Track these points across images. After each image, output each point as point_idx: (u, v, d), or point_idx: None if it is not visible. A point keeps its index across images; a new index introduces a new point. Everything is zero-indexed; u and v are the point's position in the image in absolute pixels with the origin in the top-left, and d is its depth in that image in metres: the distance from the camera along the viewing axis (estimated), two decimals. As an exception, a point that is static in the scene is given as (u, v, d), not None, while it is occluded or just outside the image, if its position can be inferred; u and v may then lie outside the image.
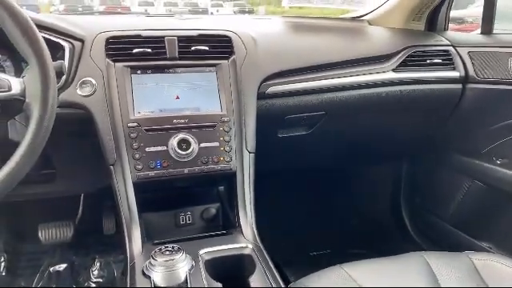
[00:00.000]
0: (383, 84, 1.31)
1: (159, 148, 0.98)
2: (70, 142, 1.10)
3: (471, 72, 1.39)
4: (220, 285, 0.81)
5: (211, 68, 1.09)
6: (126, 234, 0.93)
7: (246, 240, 0.95)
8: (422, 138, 1.64)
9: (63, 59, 1.00)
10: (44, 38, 0.77)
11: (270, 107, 1.19)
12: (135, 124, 0.98)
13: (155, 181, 0.97)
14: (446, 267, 0.89)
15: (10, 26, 0.73)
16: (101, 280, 1.53)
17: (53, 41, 1.00)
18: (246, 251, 0.90)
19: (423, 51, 1.37)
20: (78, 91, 1.00)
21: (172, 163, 0.98)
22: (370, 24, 1.59)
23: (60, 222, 1.53)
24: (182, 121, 1.01)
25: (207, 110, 1.05)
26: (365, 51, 1.32)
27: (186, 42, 1.09)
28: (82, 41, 1.04)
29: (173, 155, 0.98)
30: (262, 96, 1.14)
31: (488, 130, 1.45)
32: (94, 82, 1.00)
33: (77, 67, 1.02)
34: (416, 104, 1.40)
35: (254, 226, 0.99)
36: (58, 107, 0.77)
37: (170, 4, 18.34)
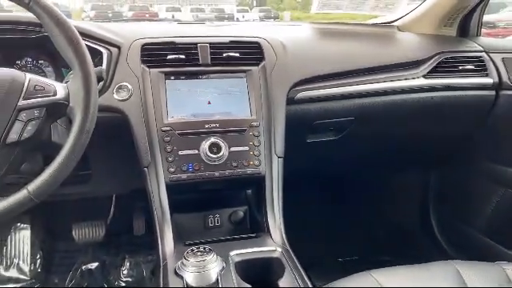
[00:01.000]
0: (413, 90, 1.30)
1: (191, 151, 1.00)
2: (106, 145, 1.14)
3: (505, 78, 1.36)
4: (250, 286, 0.82)
5: (242, 74, 1.11)
6: (158, 234, 0.95)
7: (274, 243, 0.96)
8: (453, 145, 1.61)
9: (101, 65, 1.05)
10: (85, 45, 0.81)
11: (299, 113, 1.20)
12: (169, 128, 1.01)
13: (187, 183, 1.00)
14: (478, 277, 0.87)
15: (57, 34, 0.77)
16: (130, 279, 1.57)
17: (92, 47, 1.04)
18: (276, 254, 0.91)
19: (455, 57, 1.35)
20: (115, 96, 1.03)
21: (203, 166, 1.00)
22: (399, 30, 1.58)
23: (93, 221, 1.58)
24: (214, 125, 1.03)
25: (238, 115, 1.07)
26: (394, 57, 1.31)
27: (217, 48, 1.12)
28: (118, 47, 1.08)
29: (204, 159, 1.00)
30: (291, 101, 1.16)
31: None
32: (130, 86, 1.04)
33: (114, 72, 1.06)
34: (447, 111, 1.38)
35: (282, 229, 1.00)
36: None
37: (197, 10, 18.64)
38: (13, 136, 0.75)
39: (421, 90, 1.30)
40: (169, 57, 1.08)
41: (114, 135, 1.05)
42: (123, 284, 1.56)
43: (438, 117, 1.41)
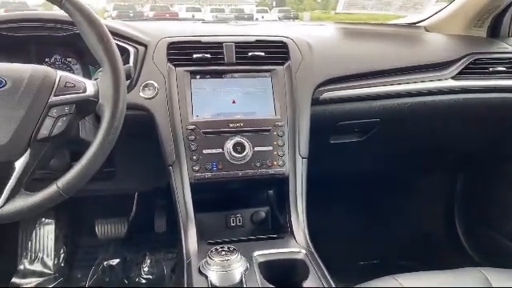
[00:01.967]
0: (441, 92, 1.27)
1: (215, 150, 1.00)
2: (131, 142, 1.14)
3: None
4: (274, 287, 0.82)
5: (267, 73, 1.11)
6: (182, 232, 0.96)
7: (298, 245, 0.95)
8: (480, 148, 1.57)
9: (128, 63, 1.06)
10: None
11: (324, 113, 1.19)
12: (194, 127, 1.01)
13: (211, 182, 1.00)
14: (508, 284, 0.85)
15: (88, 32, 0.78)
16: (151, 277, 1.58)
17: (119, 45, 1.04)
18: (300, 256, 0.90)
19: (486, 59, 1.31)
20: (141, 94, 1.04)
21: (227, 165, 1.00)
22: (426, 30, 1.54)
23: (115, 218, 1.60)
24: (238, 124, 1.03)
25: (262, 115, 1.07)
26: (422, 58, 1.29)
27: (243, 47, 1.11)
28: (145, 45, 1.09)
29: (228, 158, 1.00)
30: (315, 102, 1.14)
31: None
32: (156, 85, 1.05)
33: (140, 71, 1.06)
34: (475, 113, 1.34)
35: (306, 231, 0.99)
36: None
37: (217, 10, 18.74)
38: (44, 132, 0.76)
39: (450, 91, 1.27)
40: (194, 56, 1.08)
41: (138, 133, 1.06)
42: (144, 281, 1.58)
43: (465, 119, 1.38)
